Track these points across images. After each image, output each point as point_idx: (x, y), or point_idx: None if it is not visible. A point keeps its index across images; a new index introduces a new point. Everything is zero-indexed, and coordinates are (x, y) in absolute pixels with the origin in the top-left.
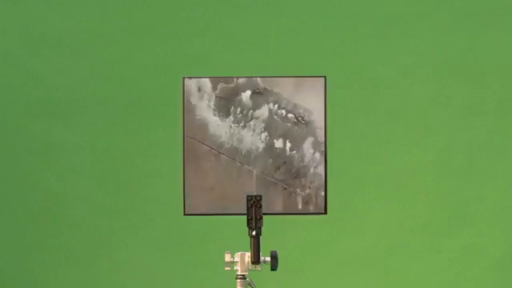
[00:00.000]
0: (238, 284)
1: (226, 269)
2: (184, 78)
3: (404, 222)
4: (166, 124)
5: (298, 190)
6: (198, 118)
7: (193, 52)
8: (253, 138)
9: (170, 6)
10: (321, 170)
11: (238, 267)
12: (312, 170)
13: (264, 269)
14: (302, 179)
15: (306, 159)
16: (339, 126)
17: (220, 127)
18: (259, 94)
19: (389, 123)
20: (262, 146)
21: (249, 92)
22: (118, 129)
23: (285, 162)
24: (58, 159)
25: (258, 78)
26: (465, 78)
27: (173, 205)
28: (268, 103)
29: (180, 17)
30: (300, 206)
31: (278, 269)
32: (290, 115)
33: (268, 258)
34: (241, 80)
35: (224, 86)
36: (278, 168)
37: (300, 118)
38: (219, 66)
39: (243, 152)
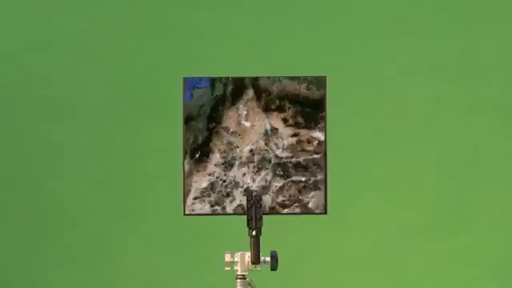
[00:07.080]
0: (238, 284)
1: (226, 269)
2: (184, 78)
3: (404, 221)
4: (166, 124)
5: None
6: None
7: (193, 52)
8: None
9: (170, 6)
10: None
11: (238, 267)
12: None
13: (264, 269)
14: None
15: None
16: (339, 125)
17: None
18: None
19: (389, 123)
20: None
21: None
22: (117, 129)
23: None
24: (58, 159)
25: None
26: (465, 78)
27: (173, 205)
28: None
29: (180, 17)
30: None
31: (278, 269)
32: None
33: (268, 258)
34: None
35: None
36: None
37: None
38: (219, 66)
39: None
